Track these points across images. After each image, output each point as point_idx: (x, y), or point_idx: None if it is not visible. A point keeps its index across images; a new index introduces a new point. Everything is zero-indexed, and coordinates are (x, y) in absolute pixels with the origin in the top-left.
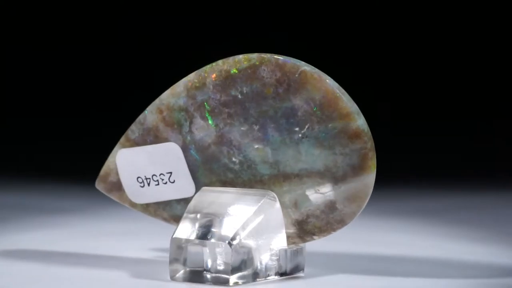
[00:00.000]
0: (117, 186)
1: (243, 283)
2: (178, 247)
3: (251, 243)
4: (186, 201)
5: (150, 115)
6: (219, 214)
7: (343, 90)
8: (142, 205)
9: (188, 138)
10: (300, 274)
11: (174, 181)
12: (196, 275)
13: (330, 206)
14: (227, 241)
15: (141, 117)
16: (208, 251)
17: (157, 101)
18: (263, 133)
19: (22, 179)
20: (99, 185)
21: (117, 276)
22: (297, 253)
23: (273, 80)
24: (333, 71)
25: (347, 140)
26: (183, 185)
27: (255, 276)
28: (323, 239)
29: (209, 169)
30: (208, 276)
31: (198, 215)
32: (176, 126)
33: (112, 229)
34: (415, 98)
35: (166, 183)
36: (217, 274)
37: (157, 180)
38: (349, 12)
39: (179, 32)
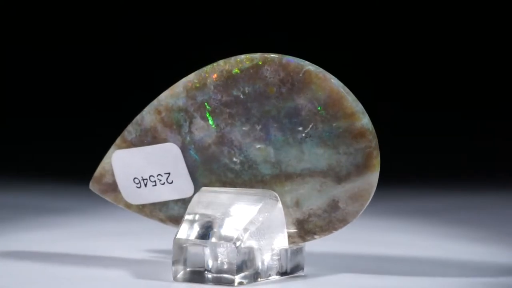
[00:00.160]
0: (112, 187)
1: (247, 283)
2: (181, 248)
3: (253, 243)
4: (184, 201)
5: (147, 116)
6: (222, 214)
7: (347, 90)
8: (137, 206)
9: (188, 138)
10: (300, 273)
11: (172, 181)
12: (198, 276)
13: (333, 205)
14: (232, 241)
15: (138, 118)
16: (211, 251)
17: (155, 102)
18: (265, 133)
19: (22, 179)
20: (93, 186)
21: (117, 276)
22: (297, 252)
23: (276, 80)
24: (333, 71)
25: (351, 139)
26: (182, 186)
27: (257, 276)
28: (323, 239)
29: (208, 170)
30: (210, 276)
31: (201, 216)
32: (175, 126)
33: (112, 229)
34: (415, 98)
35: (163, 183)
36: (220, 275)
37: (155, 181)
38: (349, 12)
39: (179, 32)
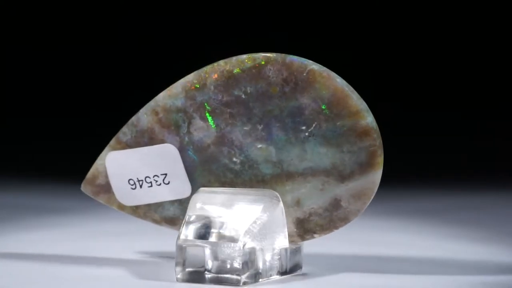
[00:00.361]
0: (105, 189)
1: (250, 283)
2: (184, 249)
3: (256, 243)
4: (180, 202)
5: (144, 117)
6: (225, 214)
7: (352, 88)
8: (131, 207)
9: (186, 139)
10: (299, 272)
11: (169, 182)
12: (201, 276)
13: (335, 204)
14: (237, 242)
15: (133, 119)
16: (214, 252)
17: (151, 102)
18: (267, 133)
19: (22, 179)
20: (85, 188)
21: (117, 276)
22: (295, 251)
23: (279, 79)
24: (333, 71)
25: (355, 138)
26: (179, 186)
27: (258, 276)
28: (323, 238)
29: (207, 170)
30: (214, 276)
31: (203, 216)
32: (174, 127)
33: (112, 229)
34: (415, 98)
35: (160, 184)
36: (223, 275)
37: (150, 182)
38: (349, 12)
39: (179, 32)
